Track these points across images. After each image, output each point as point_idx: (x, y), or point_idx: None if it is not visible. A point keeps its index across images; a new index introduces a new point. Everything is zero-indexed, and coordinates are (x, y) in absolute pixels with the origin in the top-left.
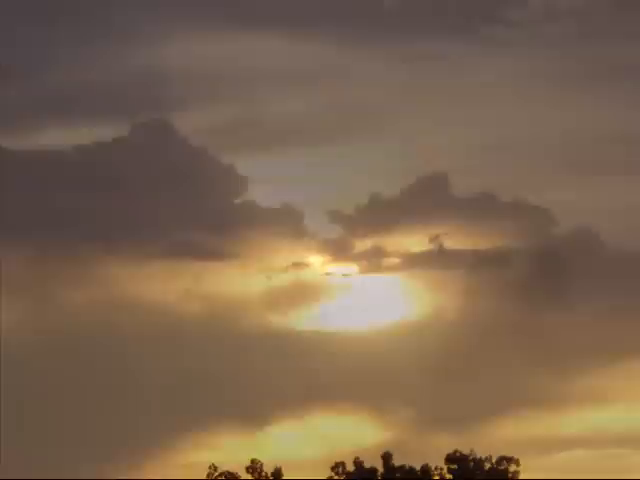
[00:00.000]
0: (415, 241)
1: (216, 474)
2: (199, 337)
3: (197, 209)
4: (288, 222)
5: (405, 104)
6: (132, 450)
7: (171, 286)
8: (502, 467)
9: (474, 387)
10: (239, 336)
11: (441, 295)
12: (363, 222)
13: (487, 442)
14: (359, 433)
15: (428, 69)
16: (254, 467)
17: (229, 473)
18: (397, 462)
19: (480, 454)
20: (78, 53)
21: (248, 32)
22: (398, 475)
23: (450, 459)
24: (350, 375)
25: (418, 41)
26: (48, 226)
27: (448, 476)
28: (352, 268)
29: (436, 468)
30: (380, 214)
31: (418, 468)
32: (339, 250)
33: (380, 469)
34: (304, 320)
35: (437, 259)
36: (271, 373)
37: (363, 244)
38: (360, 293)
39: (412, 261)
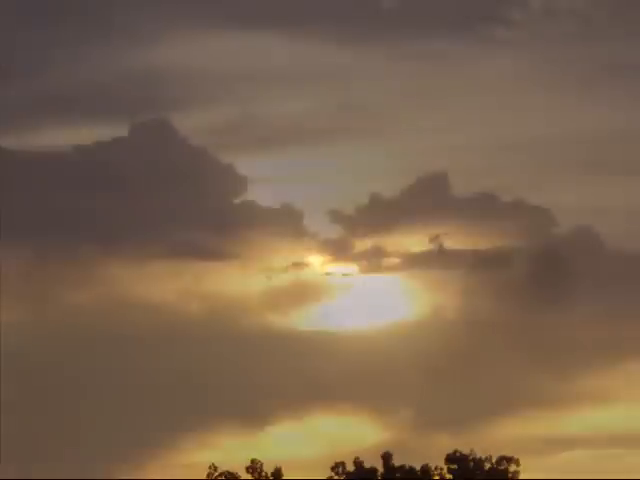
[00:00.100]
0: (415, 241)
1: (216, 474)
2: (199, 337)
3: (197, 209)
4: (288, 222)
5: (405, 104)
6: (132, 450)
7: (171, 286)
8: (502, 467)
9: (474, 387)
10: (239, 336)
11: (441, 295)
12: (363, 222)
13: (487, 442)
14: (359, 433)
15: (428, 69)
16: (254, 467)
17: (229, 473)
18: (397, 462)
19: (480, 454)
20: (78, 53)
21: (248, 32)
22: (398, 475)
23: (450, 459)
24: (350, 375)
25: (418, 41)
26: (48, 226)
27: (448, 476)
28: (352, 268)
29: (436, 468)
30: (380, 214)
31: (418, 468)
32: (339, 250)
33: (380, 469)
34: (304, 320)
35: (437, 259)
36: (271, 373)
37: (363, 244)
38: (360, 293)
39: (412, 261)
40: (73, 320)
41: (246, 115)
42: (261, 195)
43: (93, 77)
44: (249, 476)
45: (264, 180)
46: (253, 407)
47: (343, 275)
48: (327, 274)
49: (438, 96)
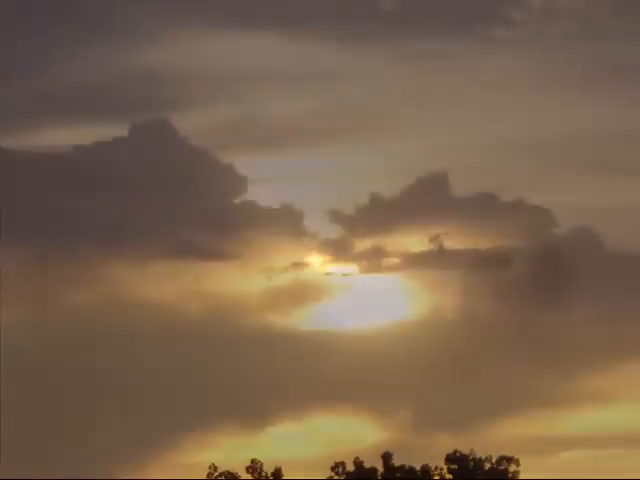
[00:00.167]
0: (415, 241)
1: (216, 474)
2: (199, 337)
3: (197, 209)
4: (288, 222)
5: (405, 104)
6: (132, 450)
7: (171, 286)
8: (502, 467)
9: (474, 387)
10: (239, 336)
11: (441, 295)
12: (363, 222)
13: (487, 442)
14: (359, 433)
15: (428, 69)
16: (254, 467)
17: (229, 473)
18: (397, 462)
19: (480, 454)
20: (78, 53)
21: (248, 32)
22: (398, 475)
23: (450, 459)
24: (350, 375)
25: (418, 41)
26: (48, 226)
27: (448, 476)
28: (352, 268)
29: (436, 468)
30: (380, 214)
31: (418, 468)
32: (339, 250)
33: (380, 469)
34: (304, 320)
35: (437, 259)
36: (271, 373)
37: (363, 244)
38: (360, 293)
39: (412, 261)
40: (73, 320)
41: (246, 115)
42: (261, 195)
43: (93, 77)
44: (249, 476)
45: (264, 180)
46: (253, 407)
47: (343, 275)
48: (327, 274)
49: (438, 96)
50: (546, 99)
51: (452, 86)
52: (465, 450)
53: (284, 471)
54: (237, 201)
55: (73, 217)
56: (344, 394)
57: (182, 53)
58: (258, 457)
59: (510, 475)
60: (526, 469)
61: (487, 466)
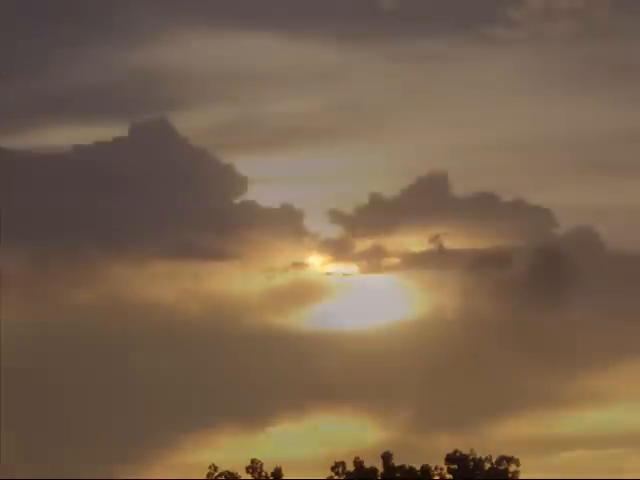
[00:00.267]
0: (415, 241)
1: (216, 474)
2: (199, 337)
3: (197, 209)
4: (288, 222)
5: (405, 104)
6: (132, 450)
7: (171, 286)
8: (502, 467)
9: (474, 387)
10: (239, 336)
11: (441, 295)
12: (363, 222)
13: (487, 442)
14: (359, 433)
15: (428, 69)
16: (254, 467)
17: (229, 473)
18: (397, 462)
19: (480, 454)
20: (78, 53)
21: (248, 32)
22: (398, 475)
23: (450, 459)
24: (350, 375)
25: (418, 41)
26: (48, 226)
27: (448, 476)
28: (352, 268)
29: (436, 468)
30: (380, 214)
31: (418, 468)
32: (339, 250)
33: (380, 469)
34: (304, 320)
35: (437, 259)
36: (271, 373)
37: (363, 244)
38: (360, 293)
39: (412, 261)
40: (73, 320)
41: (246, 115)
42: (261, 195)
43: (93, 77)
44: (249, 476)
45: (264, 180)
46: (253, 407)
47: (343, 275)
48: (327, 274)
49: (438, 96)
50: (546, 99)
51: (452, 86)
52: (465, 450)
53: (284, 471)
54: (237, 201)
55: (73, 217)
56: (344, 394)
57: (182, 53)
58: (258, 457)
59: (510, 475)
60: (526, 469)
61: (487, 466)
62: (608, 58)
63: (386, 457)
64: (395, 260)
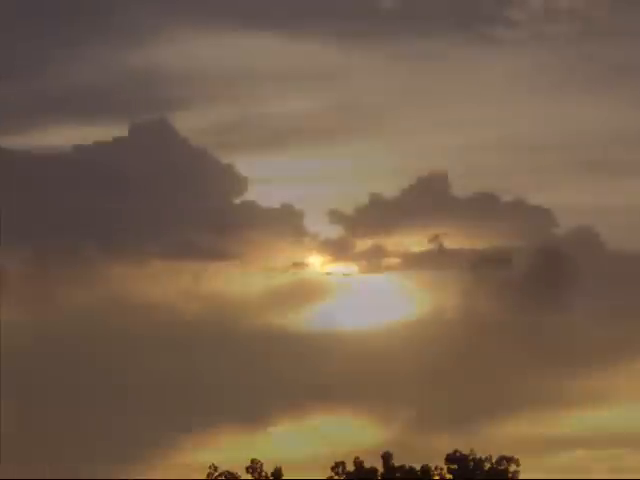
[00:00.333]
0: (415, 241)
1: (216, 474)
2: (199, 337)
3: (197, 209)
4: (288, 222)
5: (405, 104)
6: (132, 450)
7: (171, 286)
8: (502, 467)
9: (474, 387)
10: (239, 336)
11: (441, 295)
12: (363, 222)
13: (487, 442)
14: (359, 433)
15: (428, 69)
16: (254, 467)
17: (229, 473)
18: (397, 462)
19: (480, 454)
20: (78, 53)
21: (248, 32)
22: (398, 475)
23: (450, 459)
24: (350, 375)
25: (418, 41)
26: (48, 226)
27: (448, 476)
28: (352, 268)
29: (436, 468)
30: (380, 214)
31: (418, 468)
32: (339, 250)
33: (380, 469)
34: (304, 320)
35: (437, 259)
36: (271, 373)
37: (363, 244)
38: (360, 293)
39: (412, 261)
40: (73, 320)
41: (246, 115)
42: (261, 195)
43: (93, 77)
44: (249, 476)
45: (264, 180)
46: (253, 407)
47: (343, 275)
48: (327, 274)
49: (438, 96)
50: (546, 99)
51: (452, 86)
52: (465, 450)
53: (284, 471)
54: (237, 201)
55: (73, 217)
56: (344, 394)
57: (182, 53)
58: (258, 457)
59: (510, 475)
60: (526, 469)
61: (487, 466)
62: (608, 58)
63: (386, 457)
64: (395, 260)
